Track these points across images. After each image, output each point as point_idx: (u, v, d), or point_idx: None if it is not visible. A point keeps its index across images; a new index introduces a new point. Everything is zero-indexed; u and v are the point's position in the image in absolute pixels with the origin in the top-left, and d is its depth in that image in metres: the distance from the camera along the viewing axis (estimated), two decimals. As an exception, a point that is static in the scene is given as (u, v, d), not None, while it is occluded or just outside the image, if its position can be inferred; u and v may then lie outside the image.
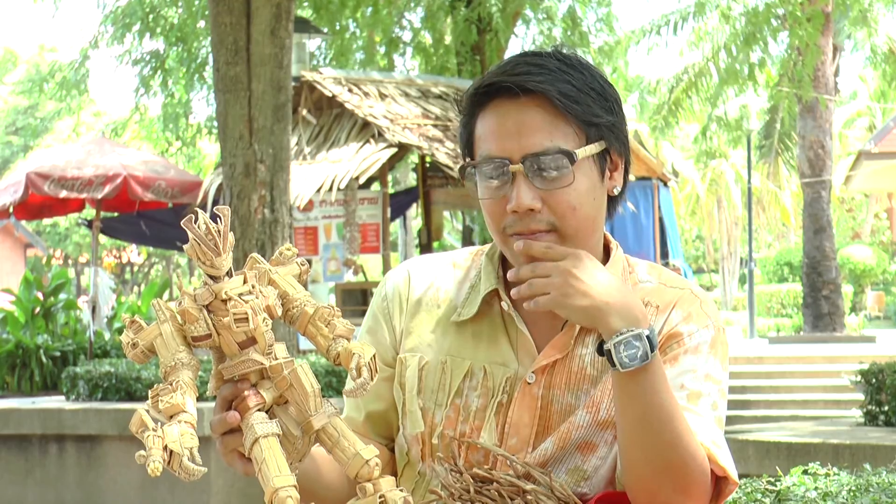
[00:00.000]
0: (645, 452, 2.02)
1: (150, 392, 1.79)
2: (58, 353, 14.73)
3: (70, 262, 49.06)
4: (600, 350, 2.02)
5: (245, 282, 1.84)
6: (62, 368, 13.84)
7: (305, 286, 1.95)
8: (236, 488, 10.42)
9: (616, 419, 2.06)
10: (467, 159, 2.18)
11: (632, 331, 1.97)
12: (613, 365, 1.98)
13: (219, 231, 1.80)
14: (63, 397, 12.74)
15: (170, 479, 10.93)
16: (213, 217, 1.81)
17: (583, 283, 1.97)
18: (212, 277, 1.82)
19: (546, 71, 2.10)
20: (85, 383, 12.16)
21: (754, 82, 23.12)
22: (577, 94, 2.10)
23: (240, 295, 1.82)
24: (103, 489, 11.32)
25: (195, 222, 1.79)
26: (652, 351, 1.97)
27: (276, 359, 1.85)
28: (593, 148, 2.11)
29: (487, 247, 2.28)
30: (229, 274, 1.83)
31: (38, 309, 15.66)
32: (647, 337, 1.98)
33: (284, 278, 1.90)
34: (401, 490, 1.86)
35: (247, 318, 1.80)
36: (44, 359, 14.61)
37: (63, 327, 15.79)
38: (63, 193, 14.87)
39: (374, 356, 1.86)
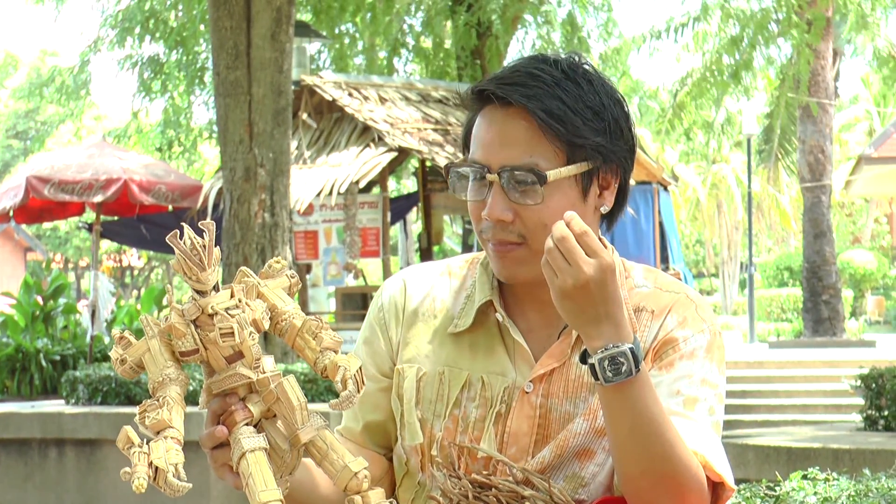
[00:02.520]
0: (638, 464, 2.01)
1: (138, 408, 1.80)
2: (57, 357, 14.73)
3: (70, 265, 49.06)
4: (583, 359, 2.00)
5: (232, 296, 1.84)
6: (62, 372, 13.85)
7: (306, 297, 1.96)
8: (236, 494, 10.41)
9: (607, 432, 2.05)
10: (465, 155, 2.19)
11: (617, 347, 1.95)
12: (597, 379, 1.97)
13: (204, 246, 1.80)
14: (63, 401, 12.73)
15: (169, 484, 10.92)
16: (199, 231, 1.82)
17: (587, 295, 1.94)
18: (199, 292, 1.83)
19: (540, 83, 2.09)
20: (85, 387, 12.16)
21: (742, 86, 23.11)
22: (565, 112, 2.07)
23: (226, 309, 1.81)
24: (103, 493, 11.31)
25: (181, 238, 1.79)
26: (636, 366, 1.95)
27: (264, 372, 1.85)
28: (571, 169, 2.08)
29: (482, 255, 2.27)
30: (216, 288, 1.83)
31: (37, 313, 15.66)
32: (632, 352, 1.95)
33: (273, 291, 1.90)
34: (390, 502, 1.86)
35: (233, 333, 1.80)
36: (43, 363, 14.61)
37: (63, 331, 15.79)
38: (63, 197, 14.86)
39: (360, 368, 1.86)
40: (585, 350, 1.99)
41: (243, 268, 1.91)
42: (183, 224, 1.81)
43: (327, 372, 1.86)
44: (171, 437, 1.76)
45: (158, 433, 1.76)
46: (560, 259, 1.93)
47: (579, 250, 1.92)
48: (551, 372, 2.14)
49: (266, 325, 1.86)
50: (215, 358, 1.84)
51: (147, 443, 1.75)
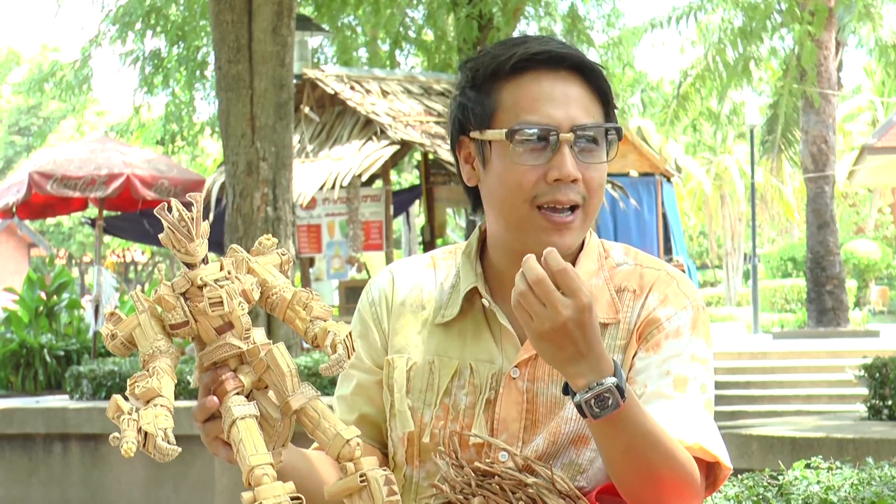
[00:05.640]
0: (636, 476, 2.01)
1: (129, 380, 1.81)
2: (61, 353, 14.75)
3: (74, 261, 49.11)
4: (566, 391, 1.98)
5: (222, 268, 1.85)
6: (66, 368, 13.86)
7: (306, 279, 1.96)
8: (241, 486, 10.39)
9: (600, 455, 2.04)
10: (478, 132, 2.15)
11: (600, 384, 1.91)
12: (585, 416, 1.95)
13: (191, 218, 1.81)
14: (67, 396, 12.76)
15: (174, 478, 10.93)
16: (188, 205, 1.82)
17: (566, 335, 1.90)
18: (188, 265, 1.84)
19: (576, 50, 2.15)
20: (88, 382, 12.18)
21: (748, 78, 23.10)
22: (603, 76, 2.15)
23: (215, 280, 1.83)
24: (107, 488, 11.33)
25: (169, 211, 1.80)
26: (623, 396, 1.92)
27: (254, 343, 1.86)
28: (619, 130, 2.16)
29: (464, 244, 2.28)
30: (205, 261, 1.84)
31: (41, 308, 15.67)
32: (616, 386, 1.91)
33: (264, 267, 1.91)
34: (383, 469, 1.86)
35: (222, 302, 1.81)
36: (47, 358, 14.62)
37: (66, 326, 15.80)
38: (66, 193, 14.86)
39: (349, 334, 1.85)
40: (567, 384, 1.96)
41: (234, 245, 1.92)
42: (171, 199, 1.82)
43: (318, 340, 1.86)
44: (161, 405, 1.76)
45: (148, 402, 1.77)
46: (535, 303, 1.89)
47: (556, 293, 1.88)
48: (536, 356, 2.13)
49: (256, 296, 1.87)
50: (205, 329, 1.85)
51: (136, 410, 1.75)
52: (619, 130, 2.12)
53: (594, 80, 2.13)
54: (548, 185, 2.09)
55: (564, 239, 2.11)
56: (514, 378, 2.15)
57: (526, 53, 2.12)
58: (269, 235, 1.96)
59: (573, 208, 2.10)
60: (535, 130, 2.09)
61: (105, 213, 16.03)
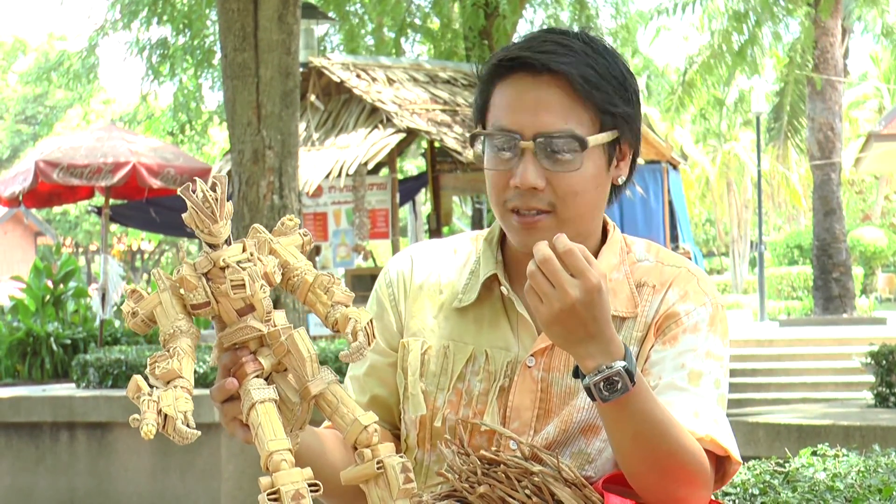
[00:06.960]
0: (644, 464, 2.02)
1: (148, 359, 1.80)
2: (68, 341, 14.77)
3: (80, 250, 49.16)
4: (576, 374, 1.99)
5: (244, 250, 1.85)
6: (72, 356, 13.88)
7: (314, 259, 1.95)
8: (247, 474, 10.43)
9: (609, 439, 2.05)
10: (479, 126, 2.18)
11: (610, 367, 1.92)
12: (594, 399, 1.95)
13: (216, 199, 1.80)
14: (73, 385, 12.77)
15: (181, 466, 10.95)
16: (212, 186, 1.82)
17: (575, 316, 1.90)
18: (210, 246, 1.84)
19: (571, 52, 2.10)
20: (95, 371, 12.19)
21: (750, 63, 23.05)
22: (599, 80, 2.10)
23: (238, 262, 1.82)
24: (114, 476, 11.35)
25: (193, 191, 1.80)
26: (632, 380, 1.93)
27: (275, 326, 1.86)
28: (605, 136, 2.11)
29: (486, 231, 2.28)
30: (228, 242, 1.84)
31: (48, 297, 15.69)
32: (626, 369, 1.92)
33: (286, 248, 1.91)
34: (400, 456, 1.87)
35: (244, 285, 1.81)
36: (54, 346, 14.65)
37: (73, 315, 15.82)
38: (72, 181, 14.86)
39: (370, 321, 1.86)
40: (577, 366, 1.97)
41: (256, 225, 1.92)
42: (195, 178, 1.82)
43: (338, 325, 1.86)
44: (181, 387, 1.76)
45: (168, 383, 1.77)
46: (544, 283, 1.90)
47: (563, 273, 1.89)
48: (553, 346, 2.14)
49: (278, 279, 1.87)
50: (226, 311, 1.85)
51: (156, 391, 1.75)
52: (581, 142, 2.07)
53: (580, 87, 2.09)
54: (514, 191, 2.10)
55: (534, 238, 2.07)
56: (529, 367, 2.15)
57: (507, 56, 2.12)
58: (292, 216, 1.96)
59: (548, 212, 2.11)
60: (499, 137, 2.10)
61: (111, 201, 16.03)
